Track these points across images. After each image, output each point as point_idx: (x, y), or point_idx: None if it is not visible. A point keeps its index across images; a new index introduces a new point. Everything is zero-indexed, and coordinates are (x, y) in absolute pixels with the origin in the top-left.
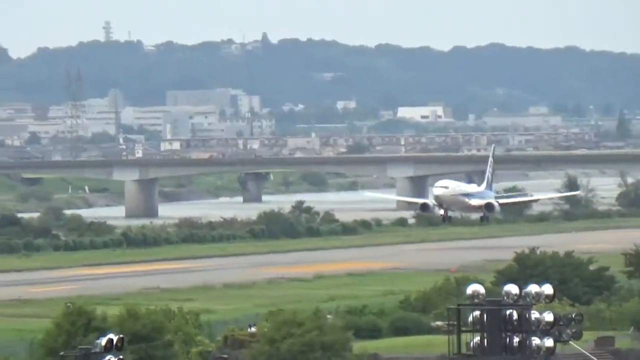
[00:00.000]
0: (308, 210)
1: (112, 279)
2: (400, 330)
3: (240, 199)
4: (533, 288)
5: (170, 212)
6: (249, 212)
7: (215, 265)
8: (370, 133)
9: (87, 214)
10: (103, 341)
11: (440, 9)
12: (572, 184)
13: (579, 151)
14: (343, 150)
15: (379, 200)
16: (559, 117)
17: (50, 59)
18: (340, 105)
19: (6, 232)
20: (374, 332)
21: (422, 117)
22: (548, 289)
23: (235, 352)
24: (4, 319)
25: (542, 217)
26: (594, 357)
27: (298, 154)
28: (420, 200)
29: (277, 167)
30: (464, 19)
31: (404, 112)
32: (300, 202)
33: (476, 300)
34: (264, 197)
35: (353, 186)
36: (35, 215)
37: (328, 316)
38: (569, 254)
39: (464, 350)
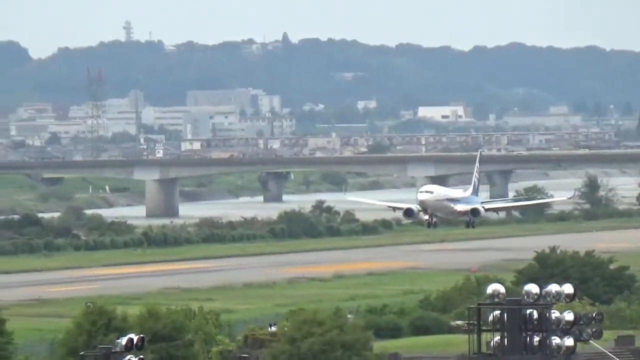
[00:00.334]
0: (328, 209)
1: (133, 278)
2: (421, 329)
3: (260, 198)
4: (553, 287)
5: (190, 212)
6: (270, 211)
7: (236, 265)
8: (391, 133)
9: (107, 213)
10: (123, 341)
11: (461, 8)
12: (592, 184)
13: (599, 151)
14: (363, 150)
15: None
16: (579, 117)
17: (71, 59)
18: (360, 105)
19: (27, 232)
20: (394, 332)
21: (443, 116)
22: (568, 288)
23: (255, 352)
24: (24, 319)
25: (563, 217)
26: (614, 356)
27: (318, 154)
28: (405, 206)
29: (297, 166)
30: (484, 18)
31: (424, 112)
32: (321, 202)
33: (496, 300)
34: (285, 197)
35: (374, 186)
36: (56, 215)
37: (348, 315)
38: (589, 254)
39: (484, 349)
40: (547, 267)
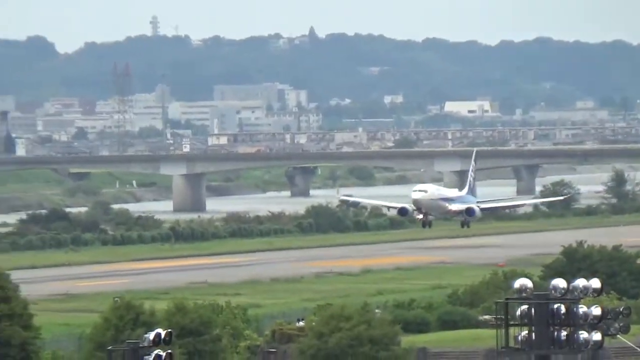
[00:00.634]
0: (355, 204)
1: (160, 273)
2: (448, 324)
3: (287, 193)
4: (581, 282)
5: (217, 207)
6: (297, 206)
7: (263, 260)
8: (418, 127)
9: (134, 208)
10: (151, 335)
11: (487, 3)
12: (619, 178)
13: (626, 145)
14: (390, 144)
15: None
16: (605, 111)
17: (98, 53)
18: (387, 99)
19: (54, 227)
20: (421, 326)
21: (469, 111)
22: (596, 282)
23: (283, 347)
24: (52, 314)
25: (590, 211)
26: None
27: (345, 149)
28: (399, 205)
29: (324, 161)
30: (511, 13)
31: (451, 107)
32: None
33: (524, 294)
34: (312, 192)
35: (401, 180)
36: (83, 209)
37: (376, 310)
38: (616, 248)
39: (511, 344)
40: (574, 262)
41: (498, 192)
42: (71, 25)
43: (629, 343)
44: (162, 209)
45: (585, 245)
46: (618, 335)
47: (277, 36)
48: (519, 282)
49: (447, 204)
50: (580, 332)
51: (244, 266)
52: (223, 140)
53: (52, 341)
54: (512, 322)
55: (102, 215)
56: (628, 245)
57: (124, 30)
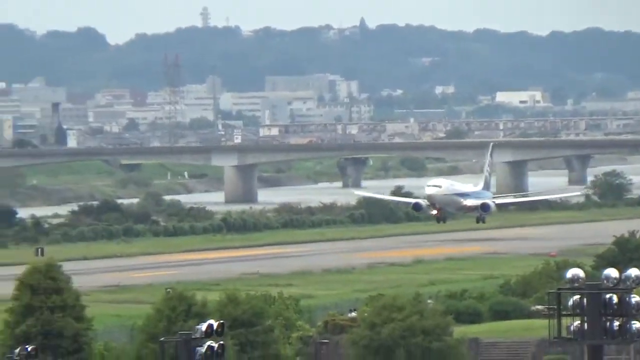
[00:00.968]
0: (408, 195)
1: (212, 264)
2: (500, 314)
3: (339, 184)
4: (633, 272)
5: (269, 198)
6: (349, 197)
7: (315, 250)
8: (469, 118)
9: (186, 199)
10: (203, 327)
11: None
12: None
13: None
14: (442, 135)
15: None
16: None
17: (148, 45)
18: (438, 90)
19: (106, 218)
20: (474, 317)
21: (521, 102)
22: None
23: (335, 337)
24: (104, 305)
25: None
26: None
27: (397, 139)
28: (413, 200)
29: (376, 152)
30: (561, 4)
31: (502, 97)
32: (400, 187)
33: (576, 285)
34: (363, 183)
35: (453, 171)
36: (135, 201)
37: (428, 301)
38: None
39: (564, 334)
40: (626, 252)
41: (550, 183)
42: (122, 16)
43: None
44: (213, 200)
45: (638, 235)
46: None
47: (328, 27)
48: (571, 272)
49: (461, 199)
50: (632, 322)
51: (296, 257)
52: (274, 131)
53: (104, 332)
54: (564, 312)
55: (154, 207)
56: None
57: (175, 22)
